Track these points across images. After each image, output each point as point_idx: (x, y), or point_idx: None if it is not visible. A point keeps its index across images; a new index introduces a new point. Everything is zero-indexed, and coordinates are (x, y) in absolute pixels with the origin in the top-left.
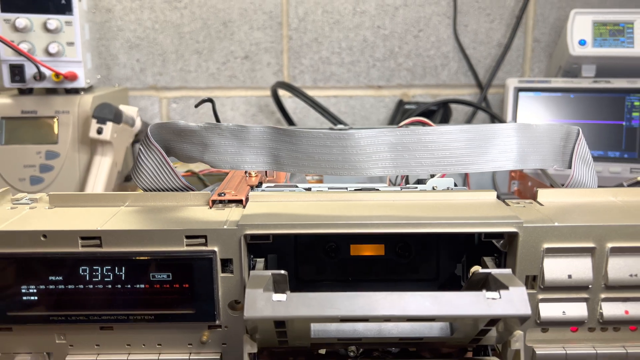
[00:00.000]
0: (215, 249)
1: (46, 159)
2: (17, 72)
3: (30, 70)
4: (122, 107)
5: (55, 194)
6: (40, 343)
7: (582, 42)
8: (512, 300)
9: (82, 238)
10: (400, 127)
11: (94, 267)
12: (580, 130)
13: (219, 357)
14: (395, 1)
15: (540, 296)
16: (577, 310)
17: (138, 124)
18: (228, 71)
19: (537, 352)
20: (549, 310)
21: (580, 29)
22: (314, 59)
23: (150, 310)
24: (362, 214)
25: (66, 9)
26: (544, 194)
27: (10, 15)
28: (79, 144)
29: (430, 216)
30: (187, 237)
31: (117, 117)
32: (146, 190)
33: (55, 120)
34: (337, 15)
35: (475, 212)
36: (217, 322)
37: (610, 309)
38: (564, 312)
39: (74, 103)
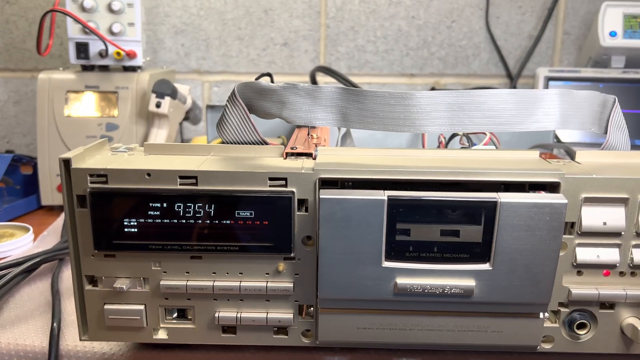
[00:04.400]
0: (294, 189)
1: (107, 130)
2: (82, 49)
3: (94, 48)
4: (176, 85)
5: (149, 143)
6: (139, 269)
7: (613, 34)
8: None
9: (181, 177)
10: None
11: (188, 204)
12: (616, 99)
13: (292, 285)
14: None
15: (577, 241)
16: (610, 254)
17: (189, 101)
18: (267, 57)
19: (572, 292)
20: (585, 254)
21: (611, 21)
22: (350, 47)
23: (235, 243)
24: (420, 164)
25: None
26: (581, 155)
27: None
28: (137, 117)
29: (483, 167)
30: (271, 179)
31: (174, 93)
32: (227, 142)
33: (115, 94)
34: (373, 5)
35: (521, 165)
36: (292, 255)
37: None
38: (598, 256)
39: (132, 80)
